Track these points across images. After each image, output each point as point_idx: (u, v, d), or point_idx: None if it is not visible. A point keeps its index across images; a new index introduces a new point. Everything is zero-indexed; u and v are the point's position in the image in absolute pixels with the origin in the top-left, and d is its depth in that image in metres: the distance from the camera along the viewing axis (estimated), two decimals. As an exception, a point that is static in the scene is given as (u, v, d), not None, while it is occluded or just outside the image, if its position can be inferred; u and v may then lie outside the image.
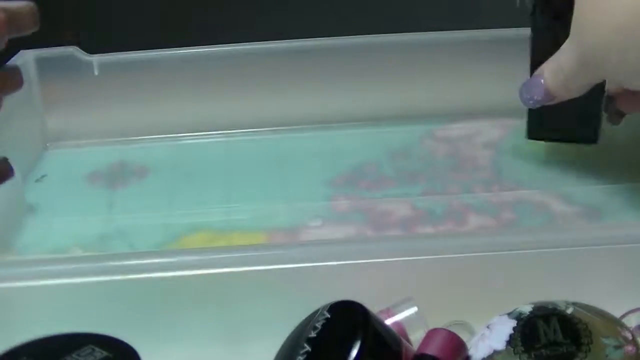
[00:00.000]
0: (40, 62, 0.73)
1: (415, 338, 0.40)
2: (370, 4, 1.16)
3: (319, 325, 0.36)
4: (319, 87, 0.73)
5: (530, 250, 0.46)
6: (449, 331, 0.38)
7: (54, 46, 0.74)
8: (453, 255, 0.46)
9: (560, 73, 0.53)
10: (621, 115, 0.62)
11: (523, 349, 0.36)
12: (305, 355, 0.35)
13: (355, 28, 0.74)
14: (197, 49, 0.73)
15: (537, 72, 0.55)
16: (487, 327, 0.39)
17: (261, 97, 0.73)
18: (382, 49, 0.73)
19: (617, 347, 0.35)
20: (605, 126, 0.62)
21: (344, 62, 0.73)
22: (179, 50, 0.73)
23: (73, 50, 0.73)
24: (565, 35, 0.52)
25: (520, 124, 0.71)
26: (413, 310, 0.43)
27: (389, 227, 0.59)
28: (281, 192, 0.64)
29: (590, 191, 0.61)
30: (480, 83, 0.68)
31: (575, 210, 0.59)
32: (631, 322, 0.42)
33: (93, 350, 0.32)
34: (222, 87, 0.72)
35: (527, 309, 0.38)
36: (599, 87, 0.56)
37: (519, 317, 0.38)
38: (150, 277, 0.45)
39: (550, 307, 0.38)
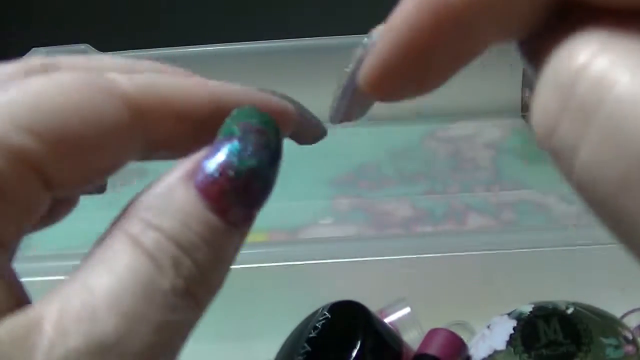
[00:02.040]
0: (52, 60, 0.73)
1: (409, 338, 0.40)
2: (370, 4, 1.16)
3: (319, 325, 0.36)
4: (319, 87, 0.73)
5: (530, 250, 0.46)
6: (449, 331, 0.38)
7: (65, 44, 0.74)
8: (453, 254, 0.46)
9: None
10: None
11: (523, 349, 0.36)
12: (305, 355, 0.35)
13: (355, 28, 0.74)
14: (199, 47, 0.73)
15: None
16: (487, 327, 0.39)
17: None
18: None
19: (617, 347, 0.35)
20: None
21: (345, 61, 0.72)
22: (183, 48, 0.73)
23: (85, 48, 0.73)
24: None
25: (521, 124, 0.71)
26: (406, 310, 0.43)
27: (389, 226, 0.59)
28: (282, 191, 0.64)
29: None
30: (480, 83, 0.68)
31: (575, 210, 0.59)
32: (631, 322, 0.42)
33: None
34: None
35: (527, 309, 0.38)
36: None
37: (519, 317, 0.38)
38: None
39: (550, 307, 0.38)
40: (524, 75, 0.71)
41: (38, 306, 0.17)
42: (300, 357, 0.35)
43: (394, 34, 0.19)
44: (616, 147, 0.14)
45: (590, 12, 0.16)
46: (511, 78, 0.71)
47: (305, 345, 0.35)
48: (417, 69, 0.19)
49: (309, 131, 0.26)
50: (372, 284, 0.46)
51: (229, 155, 0.19)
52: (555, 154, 0.16)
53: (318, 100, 0.81)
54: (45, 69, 0.22)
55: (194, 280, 0.18)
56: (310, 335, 0.36)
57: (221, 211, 0.19)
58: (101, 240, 0.19)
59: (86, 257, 0.18)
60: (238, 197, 0.19)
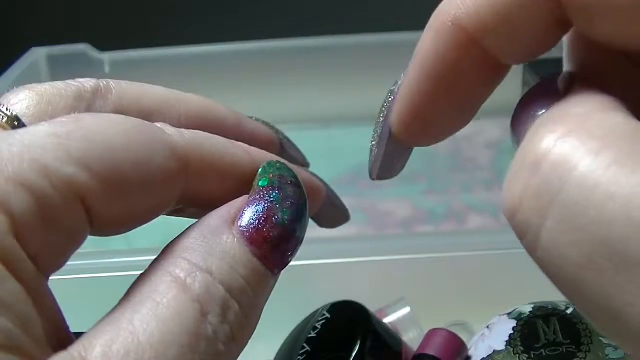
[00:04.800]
0: (52, 60, 0.73)
1: (409, 338, 0.40)
2: (370, 3, 1.16)
3: (318, 325, 0.36)
4: (320, 86, 0.73)
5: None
6: (449, 331, 0.37)
7: (65, 44, 0.74)
8: (453, 254, 0.46)
9: None
10: None
11: (523, 349, 0.36)
12: (304, 355, 0.35)
13: (355, 27, 0.74)
14: (199, 47, 0.73)
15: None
16: (487, 327, 0.38)
17: (262, 95, 0.73)
18: (383, 49, 0.73)
19: (617, 347, 0.35)
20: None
21: (345, 61, 0.72)
22: (184, 48, 0.73)
23: (84, 48, 0.73)
24: None
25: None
26: (406, 310, 0.43)
27: (389, 226, 0.59)
28: (281, 191, 0.64)
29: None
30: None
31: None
32: (631, 322, 0.41)
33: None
34: (222, 85, 0.72)
35: (527, 309, 0.38)
36: None
37: (519, 317, 0.38)
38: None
39: (550, 307, 0.38)
40: (524, 75, 0.71)
41: (82, 348, 0.17)
42: (300, 357, 0.35)
43: (417, 70, 0.20)
44: (578, 230, 0.14)
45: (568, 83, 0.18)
46: (511, 78, 0.71)
47: (305, 345, 0.35)
48: (444, 102, 0.20)
49: (332, 215, 0.27)
50: (371, 284, 0.46)
51: (272, 205, 0.20)
52: (518, 231, 0.16)
53: (318, 100, 0.82)
54: (94, 94, 0.22)
55: (239, 325, 0.19)
56: (310, 336, 0.36)
57: (263, 257, 0.20)
58: (143, 279, 0.19)
59: (128, 295, 0.18)
60: (279, 245, 0.20)
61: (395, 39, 0.73)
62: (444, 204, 0.61)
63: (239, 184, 0.22)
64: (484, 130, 0.71)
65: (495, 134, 0.71)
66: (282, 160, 0.23)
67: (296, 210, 0.21)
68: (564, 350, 0.35)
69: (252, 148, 0.23)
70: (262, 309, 0.20)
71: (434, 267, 0.46)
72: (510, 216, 0.16)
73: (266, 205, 0.20)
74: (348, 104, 0.73)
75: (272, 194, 0.20)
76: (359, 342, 0.34)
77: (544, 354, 0.35)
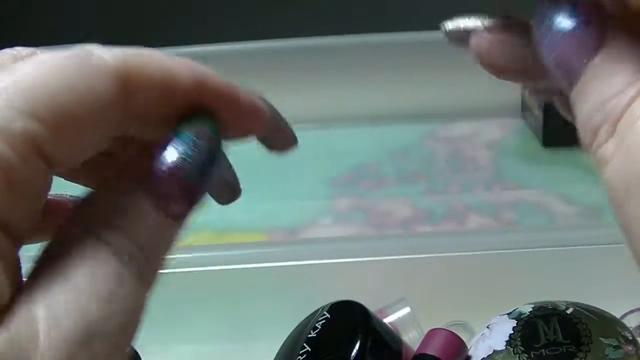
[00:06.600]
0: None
1: (409, 338, 0.40)
2: (370, 3, 1.16)
3: (318, 325, 0.36)
4: (320, 86, 0.73)
5: (530, 250, 0.46)
6: (449, 331, 0.38)
7: (65, 44, 0.74)
8: (453, 254, 0.46)
9: None
10: None
11: (523, 349, 0.36)
12: (305, 355, 0.35)
13: (355, 27, 0.74)
14: (199, 47, 0.73)
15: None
16: (487, 327, 0.38)
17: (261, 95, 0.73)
18: (382, 49, 0.73)
19: (617, 347, 0.35)
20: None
21: (345, 61, 0.73)
22: (183, 48, 0.73)
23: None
24: None
25: (521, 124, 0.71)
26: (406, 310, 0.43)
27: (389, 226, 0.59)
28: (281, 191, 0.64)
29: (590, 191, 0.61)
30: (480, 83, 0.68)
31: (575, 210, 0.59)
32: (631, 322, 0.42)
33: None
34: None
35: (527, 309, 0.38)
36: None
37: (519, 317, 0.38)
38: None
39: (550, 307, 0.38)
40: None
41: (26, 305, 0.18)
42: (300, 357, 0.35)
43: None
44: (635, 164, 0.19)
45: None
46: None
47: (305, 345, 0.35)
48: None
49: (279, 138, 0.27)
50: (372, 284, 0.46)
51: (180, 161, 0.21)
52: (596, 162, 0.20)
53: (318, 100, 0.82)
54: (32, 52, 0.22)
55: (146, 269, 0.20)
56: (310, 336, 0.36)
57: (168, 210, 0.21)
58: (70, 242, 0.19)
59: (54, 257, 0.19)
60: (184, 199, 0.21)
61: (396, 39, 0.73)
62: (444, 204, 0.61)
63: (182, 95, 0.22)
64: (484, 130, 0.71)
65: (495, 134, 0.71)
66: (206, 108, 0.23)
67: (206, 168, 0.21)
68: (564, 350, 0.35)
69: (193, 64, 0.23)
70: (170, 249, 0.22)
71: (434, 267, 0.46)
72: (586, 149, 0.20)
73: (175, 162, 0.21)
74: (348, 104, 0.73)
75: (184, 149, 0.21)
76: (359, 342, 0.34)
77: (544, 353, 0.35)
